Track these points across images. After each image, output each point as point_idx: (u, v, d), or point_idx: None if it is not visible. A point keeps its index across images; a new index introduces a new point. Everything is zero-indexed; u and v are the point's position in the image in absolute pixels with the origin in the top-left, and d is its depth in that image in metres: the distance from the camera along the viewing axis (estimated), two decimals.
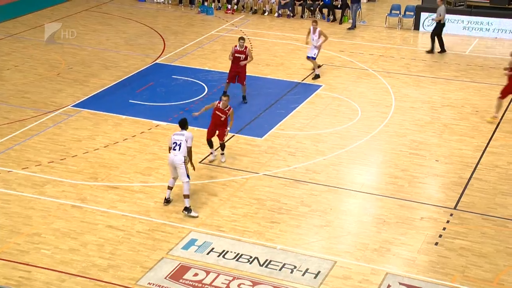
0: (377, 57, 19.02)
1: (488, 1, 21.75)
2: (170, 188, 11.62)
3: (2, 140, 13.89)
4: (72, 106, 15.59)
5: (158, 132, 14.39)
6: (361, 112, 15.45)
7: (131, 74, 17.50)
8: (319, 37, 17.02)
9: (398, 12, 21.71)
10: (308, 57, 17.30)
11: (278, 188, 12.32)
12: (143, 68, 18.04)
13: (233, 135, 14.27)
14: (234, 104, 15.70)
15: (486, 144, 13.93)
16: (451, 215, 11.55)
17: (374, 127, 14.69)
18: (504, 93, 14.84)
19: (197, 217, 11.27)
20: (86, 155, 13.39)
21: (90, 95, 16.24)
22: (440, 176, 12.83)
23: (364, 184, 12.52)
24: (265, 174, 12.79)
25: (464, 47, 19.82)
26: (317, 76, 17.24)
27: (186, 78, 16.75)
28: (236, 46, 15.50)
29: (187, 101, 15.90)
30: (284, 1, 22.46)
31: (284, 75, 17.61)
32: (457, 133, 14.46)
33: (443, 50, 19.08)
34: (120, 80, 17.16)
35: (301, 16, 22.56)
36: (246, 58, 15.43)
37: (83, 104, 15.72)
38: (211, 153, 13.19)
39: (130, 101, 15.89)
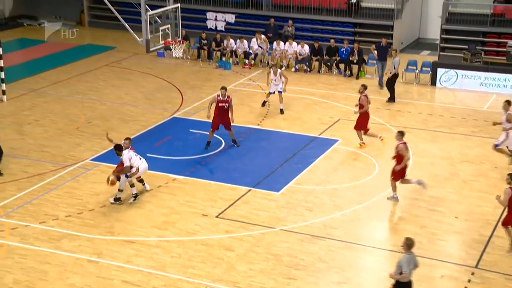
0: (394, 112, 19.18)
1: (505, 58, 22.02)
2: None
3: (21, 194, 14.11)
4: (90, 160, 15.86)
5: (175, 186, 14.52)
6: (378, 167, 15.50)
7: (149, 128, 17.81)
8: (280, 77, 18.56)
9: (414, 67, 22.02)
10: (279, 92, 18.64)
11: (295, 244, 12.29)
12: (161, 122, 18.36)
13: (250, 189, 14.36)
14: (248, 155, 15.88)
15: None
16: (473, 274, 11.40)
17: None
18: None
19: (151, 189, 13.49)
20: (103, 209, 13.53)
21: (109, 149, 16.48)
22: (460, 233, 12.73)
23: (381, 241, 12.44)
24: (282, 229, 12.78)
25: (481, 103, 19.94)
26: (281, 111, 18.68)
27: (203, 132, 17.00)
28: (219, 95, 15.91)
29: (204, 155, 16.10)
30: (301, 56, 22.91)
31: (301, 129, 17.80)
32: (476, 190, 14.41)
33: (392, 99, 19.80)
34: (138, 134, 17.46)
35: (318, 71, 22.94)
36: (229, 107, 15.95)
37: (101, 158, 15.97)
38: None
39: (147, 154, 16.07)
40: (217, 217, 13.14)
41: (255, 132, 17.63)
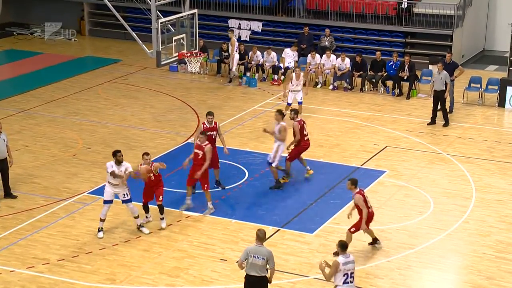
0: (453, 139, 19.11)
1: None
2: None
3: (5, 234, 14.33)
4: (88, 193, 16.05)
5: (188, 225, 14.62)
6: (433, 204, 15.42)
7: (159, 156, 18.01)
8: (300, 83, 19.51)
9: (478, 85, 21.96)
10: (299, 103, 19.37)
11: None
12: (173, 148, 18.57)
13: (278, 230, 14.39)
14: (276, 189, 15.94)
15: None
16: None
17: (451, 224, 14.60)
18: None
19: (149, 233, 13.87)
20: (102, 251, 13.66)
21: None
22: None
23: None
24: (316, 278, 12.75)
25: None
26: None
27: (223, 161, 17.13)
28: (204, 123, 15.97)
29: (225, 187, 16.19)
30: (341, 72, 23.06)
31: (340, 158, 17.83)
32: None
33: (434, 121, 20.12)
34: None
35: (361, 89, 23.04)
36: (217, 136, 16.01)
37: (101, 191, 16.07)
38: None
39: None
40: (237, 262, 13.16)
41: (284, 161, 17.68)
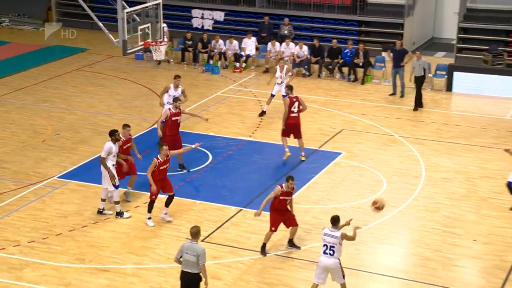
0: (404, 121, 19.40)
1: None
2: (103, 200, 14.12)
3: None
4: (58, 177, 15.94)
5: (155, 207, 14.59)
6: (386, 183, 15.66)
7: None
8: (286, 74, 19.08)
9: (428, 71, 22.23)
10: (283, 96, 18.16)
11: (292, 271, 12.40)
12: (140, 133, 18.50)
13: (240, 209, 14.50)
14: (239, 171, 16.02)
15: None
16: None
17: (402, 201, 14.86)
18: None
19: (129, 217, 13.83)
20: (72, 233, 13.61)
21: (79, 165, 16.62)
22: (478, 258, 12.88)
23: (389, 267, 12.57)
24: (276, 255, 12.89)
25: (504, 111, 20.18)
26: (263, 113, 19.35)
27: (187, 145, 17.12)
28: (170, 109, 15.90)
29: (189, 170, 16.22)
30: (300, 59, 23.17)
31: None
32: (497, 209, 14.58)
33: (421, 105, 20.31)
34: None
35: (318, 76, 23.20)
36: (180, 120, 15.96)
37: (70, 175, 16.07)
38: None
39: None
40: (202, 241, 13.23)
41: (246, 145, 17.80)
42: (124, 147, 14.46)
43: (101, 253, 12.91)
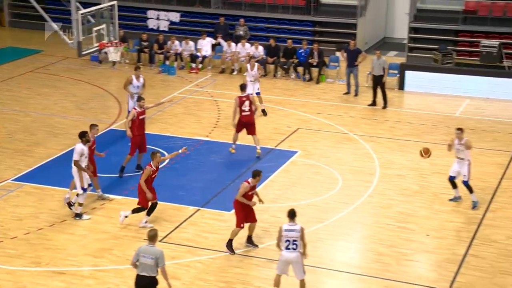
0: (358, 120, 19.58)
1: (478, 59, 22.77)
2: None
3: None
4: (12, 180, 15.64)
5: (112, 208, 14.45)
6: (341, 181, 15.79)
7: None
8: (257, 71, 19.43)
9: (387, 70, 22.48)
10: (257, 94, 19.20)
11: (250, 269, 12.40)
12: (96, 135, 18.19)
13: (198, 209, 14.42)
14: (196, 171, 15.95)
15: (481, 216, 14.28)
16: None
17: (356, 198, 14.99)
18: None
19: (89, 219, 13.75)
20: (27, 236, 13.36)
21: (34, 167, 16.33)
22: (431, 252, 13.08)
23: (346, 263, 12.67)
24: (235, 253, 12.88)
25: (453, 108, 20.55)
26: (264, 112, 19.41)
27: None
28: (135, 108, 15.88)
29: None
30: (255, 59, 23.12)
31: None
32: (448, 204, 14.83)
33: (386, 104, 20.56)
34: (69, 149, 17.25)
35: (274, 75, 23.26)
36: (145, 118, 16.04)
37: (25, 178, 15.77)
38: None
39: None
40: (160, 241, 13.13)
41: (203, 145, 17.74)
42: (92, 148, 14.25)
43: (58, 255, 12.70)
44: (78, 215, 13.94)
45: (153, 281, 10.38)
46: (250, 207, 12.80)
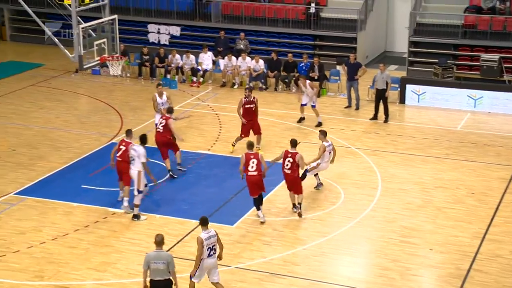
0: (360, 134, 19.56)
1: (479, 73, 22.80)
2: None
3: None
4: (14, 194, 15.58)
5: (114, 221, 14.39)
6: (344, 194, 15.74)
7: (84, 156, 17.65)
8: (312, 89, 19.53)
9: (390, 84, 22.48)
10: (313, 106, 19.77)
11: (253, 283, 12.33)
12: (98, 148, 18.23)
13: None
14: (198, 184, 15.90)
15: (485, 231, 14.23)
16: None
17: (360, 212, 14.94)
18: None
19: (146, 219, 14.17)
20: (30, 250, 13.28)
21: (36, 181, 16.27)
22: (435, 267, 13.01)
23: (350, 278, 12.60)
24: (237, 267, 12.80)
25: (455, 122, 20.55)
26: (319, 124, 19.69)
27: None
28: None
29: (148, 185, 15.99)
30: (256, 73, 23.19)
31: None
32: (452, 218, 14.78)
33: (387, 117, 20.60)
34: (71, 162, 17.28)
35: (275, 89, 23.26)
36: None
37: (27, 191, 15.71)
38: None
39: (82, 186, 15.95)
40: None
41: (205, 158, 17.69)
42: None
43: (61, 269, 12.63)
44: (136, 216, 14.26)
45: (168, 283, 10.77)
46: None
